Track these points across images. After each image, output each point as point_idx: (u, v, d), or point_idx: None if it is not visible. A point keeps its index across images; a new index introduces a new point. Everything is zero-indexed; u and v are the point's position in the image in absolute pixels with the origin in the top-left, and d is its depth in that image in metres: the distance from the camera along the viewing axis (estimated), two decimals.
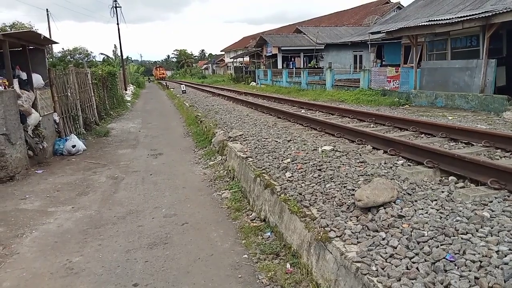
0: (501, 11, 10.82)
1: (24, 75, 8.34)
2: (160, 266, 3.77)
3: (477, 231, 2.96)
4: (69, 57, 43.79)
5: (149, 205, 5.55)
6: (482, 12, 11.97)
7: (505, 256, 2.56)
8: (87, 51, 53.29)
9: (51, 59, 25.30)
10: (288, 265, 3.54)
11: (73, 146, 9.11)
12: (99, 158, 8.77)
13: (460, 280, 2.37)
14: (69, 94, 10.93)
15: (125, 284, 3.47)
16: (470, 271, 2.46)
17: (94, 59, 45.85)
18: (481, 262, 2.53)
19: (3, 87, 7.14)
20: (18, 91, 7.61)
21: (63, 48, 48.16)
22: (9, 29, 26.49)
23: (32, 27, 30.87)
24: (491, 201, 3.61)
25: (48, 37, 12.45)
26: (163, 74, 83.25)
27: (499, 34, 12.81)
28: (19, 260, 4.02)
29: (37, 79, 8.82)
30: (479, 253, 2.62)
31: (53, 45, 28.26)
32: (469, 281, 2.35)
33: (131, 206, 5.51)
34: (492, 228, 3.00)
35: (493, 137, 6.01)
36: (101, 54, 48.73)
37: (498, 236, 2.86)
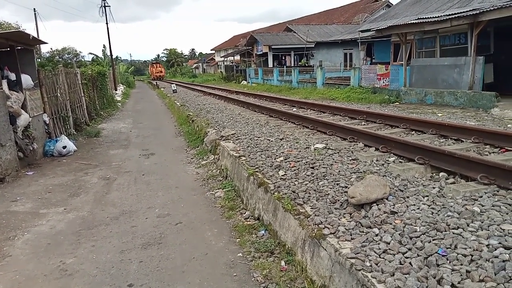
0: (488, 9, 10.98)
1: (13, 76, 8.22)
2: (154, 266, 3.77)
3: (468, 225, 3.02)
4: (57, 57, 43.22)
5: (142, 205, 5.53)
6: (470, 10, 12.12)
7: (495, 249, 2.61)
8: (76, 51, 52.61)
9: (39, 59, 24.98)
10: (282, 263, 3.57)
11: (64, 147, 9.03)
12: (90, 159, 8.70)
13: (452, 273, 2.42)
14: (58, 94, 10.82)
15: (120, 285, 3.47)
16: (461, 265, 2.51)
17: (83, 59, 45.37)
18: (472, 256, 2.58)
19: None
20: (7, 92, 7.51)
21: (51, 48, 47.44)
22: None
23: (20, 27, 30.43)
24: (481, 196, 3.68)
25: (36, 37, 12.29)
26: (161, 72, 70.02)
27: (486, 32, 12.99)
28: (12, 262, 3.99)
29: (26, 79, 8.71)
30: (470, 247, 2.68)
31: (41, 45, 27.91)
32: (461, 275, 2.40)
33: (124, 207, 5.49)
34: (482, 222, 3.06)
35: (482, 133, 6.10)
36: (90, 54, 48.23)
37: (488, 230, 2.92)
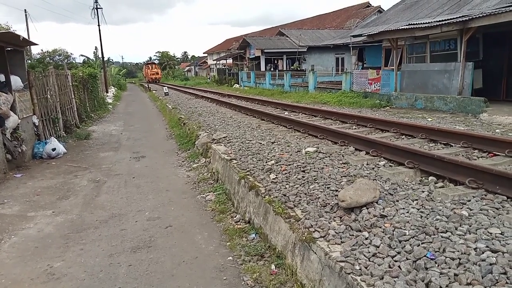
0: (477, 16, 11.14)
1: (2, 77, 8.12)
2: (144, 270, 3.74)
3: (456, 229, 3.04)
4: (48, 58, 42.90)
5: (132, 208, 5.49)
6: (460, 17, 12.29)
7: (483, 253, 2.64)
8: (67, 52, 52.41)
9: (29, 61, 24.75)
10: (273, 266, 3.56)
11: (53, 149, 8.93)
12: (80, 161, 8.62)
13: (440, 277, 2.43)
14: (48, 96, 10.71)
15: None
16: (449, 268, 2.52)
17: (74, 61, 45.11)
18: (460, 259, 2.60)
19: None
20: None
21: (42, 50, 47.19)
22: None
23: (10, 28, 30.12)
24: (469, 200, 3.72)
25: (27, 38, 12.19)
26: (157, 74, 62.37)
27: (475, 38, 13.18)
28: None
29: (15, 81, 8.61)
30: (458, 251, 2.70)
31: (31, 46, 27.66)
32: (449, 278, 2.42)
33: (113, 210, 5.44)
34: (470, 226, 3.09)
35: (471, 138, 6.17)
36: (82, 55, 47.97)
37: (476, 233, 2.94)
